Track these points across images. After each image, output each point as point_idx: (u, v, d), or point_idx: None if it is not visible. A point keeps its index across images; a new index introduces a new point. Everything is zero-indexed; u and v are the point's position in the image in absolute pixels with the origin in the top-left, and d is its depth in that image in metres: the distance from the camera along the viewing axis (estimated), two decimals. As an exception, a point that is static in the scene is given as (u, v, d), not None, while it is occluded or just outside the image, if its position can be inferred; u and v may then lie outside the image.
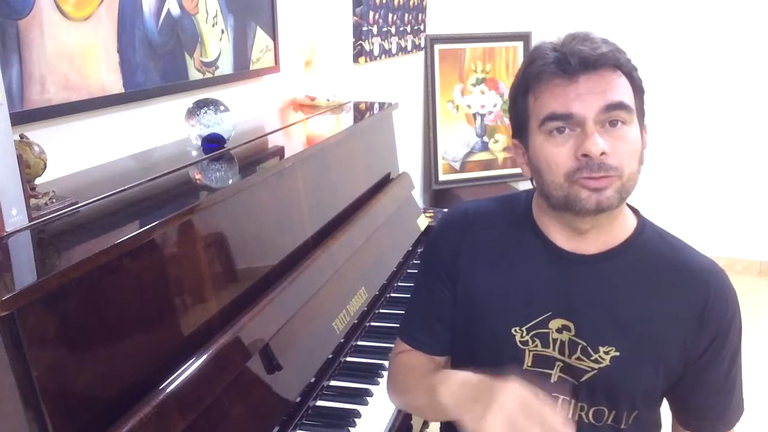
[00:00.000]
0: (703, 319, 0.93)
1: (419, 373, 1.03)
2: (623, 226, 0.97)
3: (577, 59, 0.86)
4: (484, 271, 1.01)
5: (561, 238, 0.97)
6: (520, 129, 0.95)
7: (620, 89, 0.88)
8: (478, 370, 0.99)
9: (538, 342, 0.96)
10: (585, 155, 0.86)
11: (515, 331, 0.97)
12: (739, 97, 3.50)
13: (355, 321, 1.54)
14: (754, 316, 2.97)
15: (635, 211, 1.01)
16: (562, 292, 0.96)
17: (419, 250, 2.07)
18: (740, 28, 3.42)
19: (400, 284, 1.84)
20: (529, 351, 0.97)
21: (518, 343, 0.97)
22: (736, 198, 3.64)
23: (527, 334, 0.97)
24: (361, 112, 2.10)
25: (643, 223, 0.99)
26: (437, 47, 3.47)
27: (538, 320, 0.96)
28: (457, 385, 0.88)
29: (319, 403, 1.31)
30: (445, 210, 2.50)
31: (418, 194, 3.50)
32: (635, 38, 3.49)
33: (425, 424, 1.81)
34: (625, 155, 0.87)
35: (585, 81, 0.86)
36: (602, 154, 0.85)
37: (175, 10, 1.48)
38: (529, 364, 0.97)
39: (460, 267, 1.03)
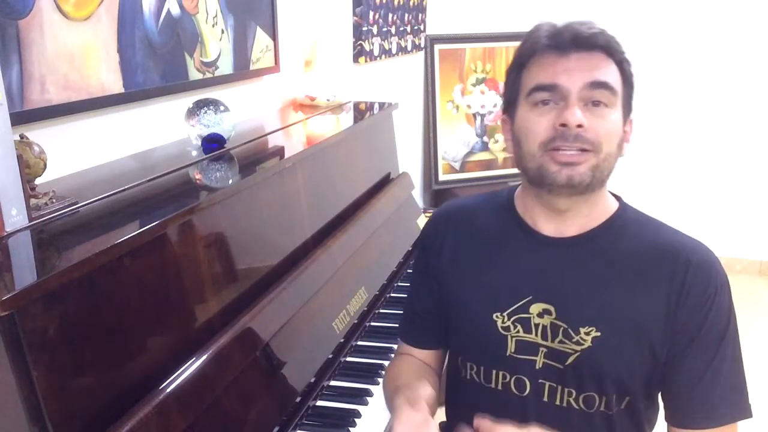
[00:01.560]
0: (682, 292, 0.92)
1: (394, 385, 1.07)
2: (603, 210, 0.98)
3: (570, 35, 0.91)
4: (467, 263, 1.05)
5: (540, 220, 0.99)
6: (509, 103, 0.99)
7: (608, 72, 0.91)
8: (467, 358, 1.05)
9: (519, 327, 0.97)
10: (563, 125, 0.89)
11: (496, 317, 0.99)
12: (739, 97, 3.50)
13: (355, 321, 1.54)
14: (754, 316, 2.97)
15: (617, 197, 1.02)
16: (542, 276, 0.97)
17: (419, 250, 2.07)
18: (743, 31, 3.42)
19: (400, 284, 1.84)
20: (512, 337, 0.98)
21: (500, 329, 0.99)
22: (736, 198, 3.64)
23: (509, 320, 0.98)
24: (361, 112, 2.10)
25: (623, 207, 1.00)
26: (437, 47, 3.47)
27: (518, 305, 0.98)
28: (397, 424, 0.92)
29: (319, 403, 1.31)
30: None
31: (418, 194, 3.50)
32: (637, 37, 3.49)
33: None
34: (603, 133, 0.90)
35: (575, 58, 0.90)
36: (579, 126, 0.88)
37: (175, 10, 1.48)
38: (513, 351, 0.98)
39: (443, 265, 1.07)
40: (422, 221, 2.15)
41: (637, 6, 3.53)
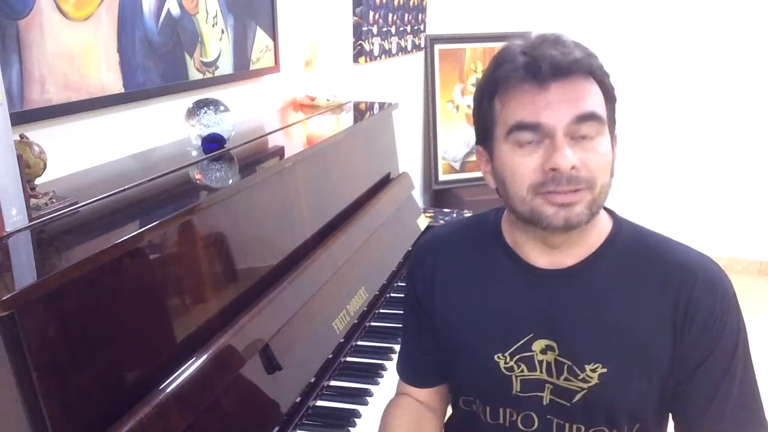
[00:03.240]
0: (688, 311, 0.86)
1: None
2: (598, 233, 0.92)
3: (548, 65, 0.81)
4: (459, 299, 0.98)
5: (533, 253, 0.92)
6: (485, 135, 0.90)
7: (592, 98, 0.83)
8: (470, 396, 0.99)
9: (523, 366, 0.92)
10: (553, 169, 0.81)
11: (498, 357, 0.93)
12: (739, 97, 3.50)
13: (355, 321, 1.54)
14: (754, 316, 2.97)
15: (610, 212, 0.95)
16: (541, 311, 0.91)
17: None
18: (739, 29, 3.42)
19: (400, 284, 1.84)
20: (516, 377, 0.93)
21: (503, 370, 0.93)
22: (735, 198, 3.64)
23: (511, 360, 0.93)
24: (361, 112, 2.10)
25: (619, 225, 0.94)
26: (437, 47, 3.47)
27: (520, 344, 0.92)
28: None
29: (319, 403, 1.31)
30: (448, 209, 2.50)
31: (418, 194, 3.50)
32: (634, 37, 3.49)
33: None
34: (596, 167, 0.83)
35: (556, 89, 0.81)
36: (572, 168, 0.81)
37: (175, 10, 1.48)
38: (518, 390, 0.93)
39: (434, 299, 1.00)
40: (422, 221, 2.15)
41: (633, 8, 3.52)
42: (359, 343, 1.55)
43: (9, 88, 1.08)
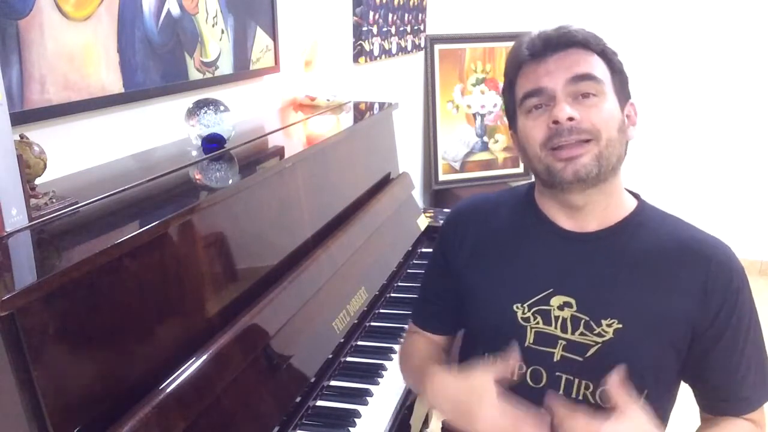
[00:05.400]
0: (706, 290, 0.94)
1: (416, 360, 1.11)
2: (622, 206, 1.01)
3: (541, 42, 0.95)
4: (488, 257, 1.07)
5: (561, 217, 1.01)
6: (510, 119, 1.04)
7: (589, 64, 0.94)
8: (484, 348, 1.06)
9: (539, 319, 0.99)
10: (555, 122, 0.92)
11: (517, 307, 1.00)
12: (740, 97, 3.50)
13: (355, 321, 1.54)
14: (754, 316, 2.96)
15: (636, 195, 1.04)
16: (563, 270, 0.99)
17: (419, 250, 2.07)
18: (744, 29, 3.42)
19: (400, 284, 1.84)
20: (531, 328, 0.99)
21: (520, 320, 1.00)
22: (736, 198, 3.64)
23: (529, 311, 1.00)
24: (361, 112, 2.10)
25: (642, 205, 1.03)
26: (437, 47, 3.47)
27: (539, 297, 0.99)
28: (440, 393, 0.94)
29: (319, 403, 1.31)
30: (448, 209, 2.50)
31: (418, 194, 3.50)
32: (639, 36, 3.49)
33: (425, 425, 1.81)
34: (599, 120, 0.92)
35: (554, 60, 0.94)
36: (571, 119, 0.91)
37: (175, 10, 1.48)
38: (531, 342, 0.99)
39: (463, 258, 1.09)
40: (422, 221, 2.15)
41: (642, 8, 3.52)
42: (359, 343, 1.55)
43: (9, 88, 1.08)
